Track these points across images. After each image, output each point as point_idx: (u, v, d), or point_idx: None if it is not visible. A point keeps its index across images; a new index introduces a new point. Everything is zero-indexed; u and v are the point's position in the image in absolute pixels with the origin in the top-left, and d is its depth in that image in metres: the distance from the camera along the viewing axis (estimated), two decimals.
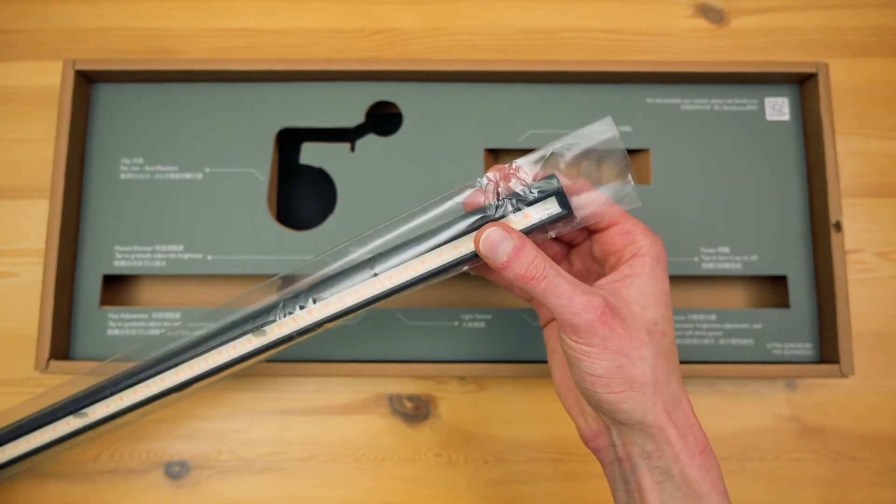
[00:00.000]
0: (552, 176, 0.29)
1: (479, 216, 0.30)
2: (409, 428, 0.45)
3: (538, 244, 0.30)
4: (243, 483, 0.44)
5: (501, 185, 0.30)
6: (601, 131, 0.30)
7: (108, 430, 0.36)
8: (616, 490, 0.31)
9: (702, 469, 0.28)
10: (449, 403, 0.46)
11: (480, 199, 0.30)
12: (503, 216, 0.29)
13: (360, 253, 0.31)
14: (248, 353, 0.32)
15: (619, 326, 0.27)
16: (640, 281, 0.29)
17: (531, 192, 0.29)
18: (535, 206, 0.29)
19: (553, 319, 0.34)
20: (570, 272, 0.34)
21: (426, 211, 0.31)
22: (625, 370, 0.27)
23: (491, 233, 0.28)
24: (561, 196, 0.29)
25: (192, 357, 0.33)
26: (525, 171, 0.30)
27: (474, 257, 0.30)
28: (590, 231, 0.32)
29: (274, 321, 0.31)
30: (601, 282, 0.30)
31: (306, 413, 0.46)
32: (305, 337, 0.32)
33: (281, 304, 0.32)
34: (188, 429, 0.45)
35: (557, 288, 0.27)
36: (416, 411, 0.46)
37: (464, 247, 0.30)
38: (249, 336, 0.32)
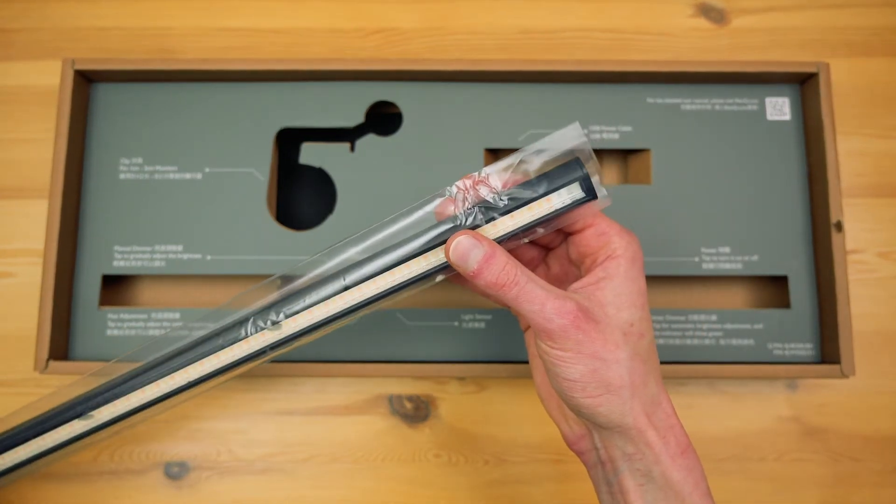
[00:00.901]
0: (576, 161, 0.29)
1: (450, 226, 0.29)
2: (409, 428, 0.45)
3: (513, 249, 0.30)
4: (243, 484, 0.44)
5: (471, 193, 0.29)
6: (570, 136, 0.30)
7: (112, 433, 0.36)
8: (600, 492, 0.31)
9: (683, 470, 0.28)
10: (449, 404, 0.46)
11: (451, 209, 0.30)
12: (475, 226, 0.29)
13: (339, 260, 0.31)
14: (260, 349, 0.32)
15: (593, 330, 0.27)
16: (614, 283, 0.29)
17: (501, 199, 0.29)
18: (558, 192, 0.29)
19: None
20: (547, 276, 0.34)
21: (399, 220, 0.31)
22: (600, 374, 0.27)
23: (461, 241, 0.28)
24: (586, 181, 0.29)
25: (196, 359, 0.33)
26: (494, 178, 0.30)
27: (447, 267, 0.30)
28: (565, 233, 0.32)
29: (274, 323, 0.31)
30: (576, 285, 0.30)
31: (306, 414, 0.45)
32: (280, 351, 0.32)
33: (252, 320, 0.31)
34: (188, 429, 0.45)
35: (529, 294, 0.27)
36: (416, 412, 0.46)
37: (434, 257, 0.30)
38: (265, 331, 0.32)
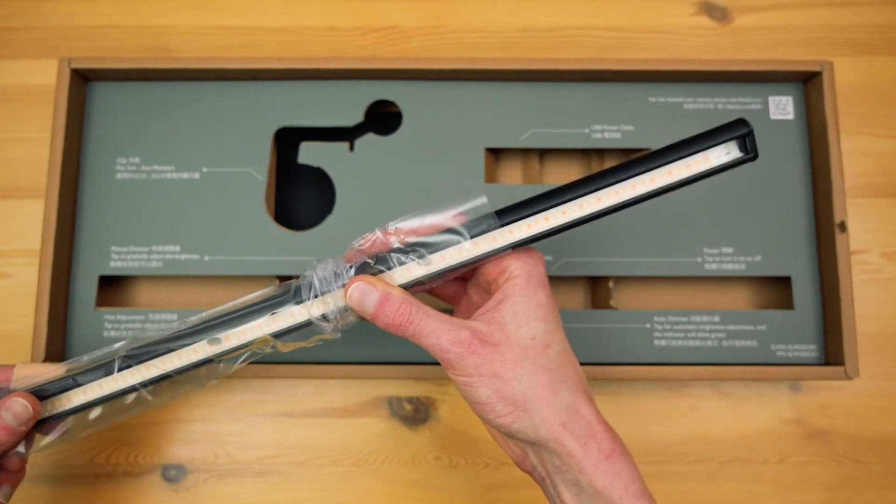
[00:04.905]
0: (741, 120, 0.28)
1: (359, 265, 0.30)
2: (409, 431, 0.45)
3: (433, 284, 0.31)
4: (241, 486, 0.44)
5: (379, 242, 0.31)
6: (478, 207, 0.30)
7: (221, 374, 0.34)
8: None
9: (609, 475, 0.28)
10: (449, 406, 0.45)
11: (359, 257, 0.31)
12: (378, 271, 0.30)
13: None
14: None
15: (490, 353, 0.29)
16: (510, 302, 0.30)
17: (411, 248, 0.30)
18: (713, 149, 0.28)
19: None
20: (469, 305, 0.35)
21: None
22: (503, 392, 0.28)
23: (356, 286, 0.29)
24: (749, 139, 0.27)
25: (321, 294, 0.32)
26: (402, 232, 0.31)
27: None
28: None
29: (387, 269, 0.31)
30: (478, 311, 0.31)
31: (305, 416, 0.45)
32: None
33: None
34: (185, 432, 0.45)
35: (425, 330, 0.29)
36: (416, 414, 0.45)
37: (340, 302, 0.31)
38: (414, 262, 0.31)
